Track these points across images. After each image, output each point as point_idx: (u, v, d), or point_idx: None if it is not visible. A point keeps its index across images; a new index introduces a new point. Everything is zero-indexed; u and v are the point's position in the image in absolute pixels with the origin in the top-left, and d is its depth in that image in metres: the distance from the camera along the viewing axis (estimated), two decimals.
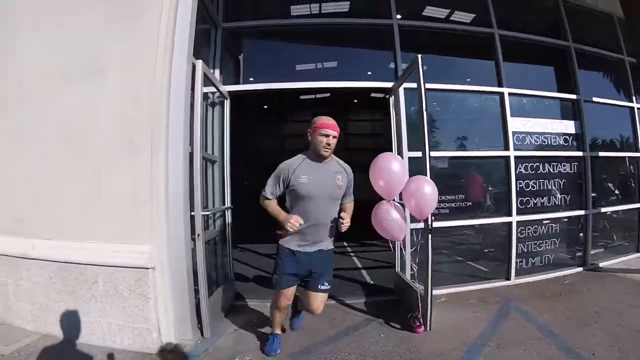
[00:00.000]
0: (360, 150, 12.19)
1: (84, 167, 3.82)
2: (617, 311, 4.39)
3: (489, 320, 4.28)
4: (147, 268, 3.55)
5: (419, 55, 4.16)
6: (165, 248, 3.63)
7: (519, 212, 5.63)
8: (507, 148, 5.62)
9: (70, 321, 3.79)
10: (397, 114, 5.14)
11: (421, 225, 4.21)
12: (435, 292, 4.70)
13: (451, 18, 6.23)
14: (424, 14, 6.16)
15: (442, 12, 6.26)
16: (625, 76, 7.09)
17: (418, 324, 3.97)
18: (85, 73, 3.85)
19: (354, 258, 7.73)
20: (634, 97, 6.97)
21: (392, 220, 3.75)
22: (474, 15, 6.23)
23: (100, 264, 3.64)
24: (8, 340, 3.78)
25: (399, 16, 5.72)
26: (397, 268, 5.26)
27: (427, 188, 3.77)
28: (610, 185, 7.04)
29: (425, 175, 4.04)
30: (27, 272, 3.95)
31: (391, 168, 3.74)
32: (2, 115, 4.14)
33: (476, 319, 4.32)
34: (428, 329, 3.99)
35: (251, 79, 6.09)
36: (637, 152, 6.94)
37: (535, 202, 5.83)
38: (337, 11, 6.18)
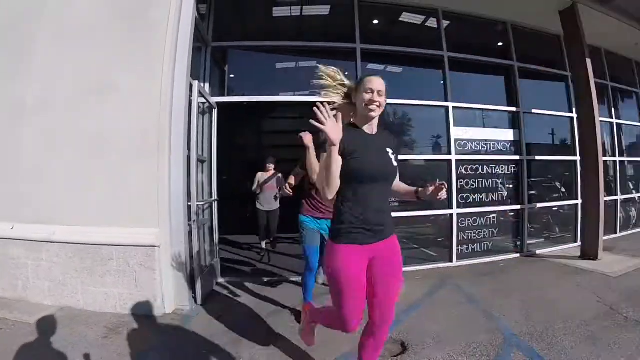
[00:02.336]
0: None
1: (103, 167, 4.60)
2: (536, 286, 5.28)
3: (427, 290, 5.21)
4: (155, 246, 4.41)
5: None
6: (169, 230, 4.53)
7: (459, 206, 6.59)
8: (449, 152, 6.58)
9: (86, 293, 4.55)
10: None
11: None
12: None
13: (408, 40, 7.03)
14: (385, 37, 7.02)
15: (401, 36, 7.19)
16: (568, 90, 7.97)
17: None
18: (102, 88, 4.65)
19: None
20: (573, 109, 7.72)
21: None
22: (430, 38, 7.05)
23: (116, 244, 4.45)
24: (31, 312, 4.34)
25: (361, 44, 6.52)
26: None
27: None
28: (557, 184, 7.95)
29: None
30: (47, 254, 4.60)
31: None
32: (25, 120, 4.83)
33: (417, 289, 5.21)
34: None
35: (235, 91, 6.97)
36: (575, 155, 7.76)
37: (474, 197, 6.79)
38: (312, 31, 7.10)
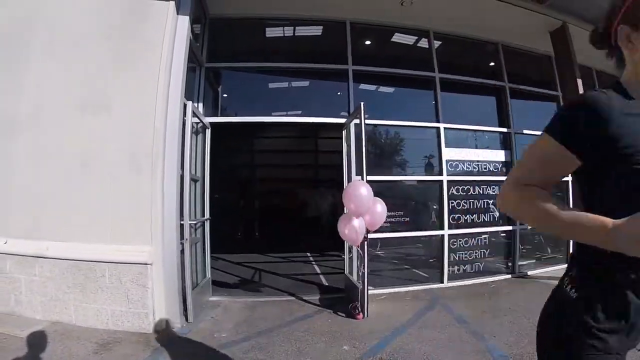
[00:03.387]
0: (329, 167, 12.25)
1: (95, 185, 4.67)
2: (527, 308, 5.19)
3: (416, 311, 5.23)
4: (147, 264, 4.47)
5: (362, 103, 5.21)
6: (161, 248, 4.58)
7: (450, 227, 6.62)
8: (441, 173, 6.66)
9: (78, 309, 4.59)
10: (348, 145, 6.08)
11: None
12: (377, 291, 5.84)
13: (400, 61, 7.21)
14: (377, 58, 7.17)
15: (393, 56, 7.36)
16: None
17: (357, 311, 4.98)
18: (95, 106, 4.77)
19: (315, 265, 8.56)
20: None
21: (353, 227, 4.83)
22: (421, 58, 7.19)
23: (108, 261, 4.51)
24: (22, 326, 4.36)
25: (353, 65, 6.65)
26: (346, 271, 6.19)
27: (378, 206, 4.95)
28: None
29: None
30: (40, 269, 4.66)
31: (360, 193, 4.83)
32: (16, 135, 4.91)
33: (407, 310, 5.27)
34: (366, 316, 4.96)
35: (228, 111, 7.05)
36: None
37: (465, 218, 6.83)
38: (304, 52, 7.19)
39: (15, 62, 5.03)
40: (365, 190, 4.84)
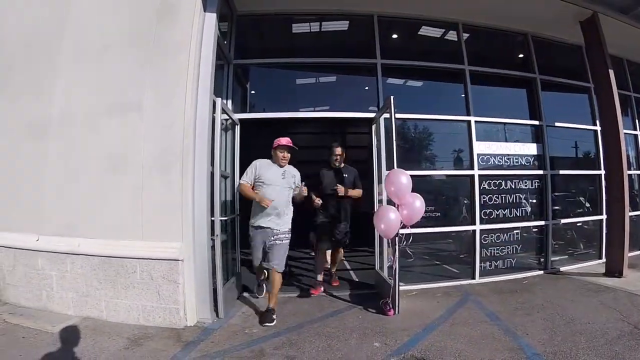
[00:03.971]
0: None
1: (126, 183, 4.73)
2: (560, 305, 5.15)
3: (448, 307, 5.15)
4: (178, 260, 4.48)
5: (392, 97, 5.14)
6: (192, 244, 4.58)
7: (482, 222, 6.49)
8: (472, 167, 6.52)
9: (109, 305, 4.65)
10: (378, 140, 6.03)
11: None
12: (408, 287, 5.77)
13: (428, 54, 7.07)
14: (405, 51, 7.03)
15: (421, 50, 7.24)
16: (591, 102, 7.86)
17: (388, 308, 4.90)
18: (124, 105, 4.84)
19: (345, 261, 8.29)
20: (597, 121, 7.62)
21: (389, 219, 4.76)
22: (450, 51, 7.07)
23: (139, 257, 4.54)
24: (53, 322, 4.47)
25: (382, 59, 6.55)
26: (377, 267, 6.14)
27: (417, 202, 4.87)
28: (581, 199, 7.82)
29: None
30: (71, 265, 4.76)
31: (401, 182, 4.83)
32: (48, 137, 5.05)
33: (438, 306, 5.18)
34: (397, 312, 4.88)
35: (257, 107, 7.04)
36: (599, 169, 7.66)
37: (497, 213, 6.69)
38: (331, 47, 7.15)
39: (48, 67, 5.16)
40: (405, 179, 4.82)
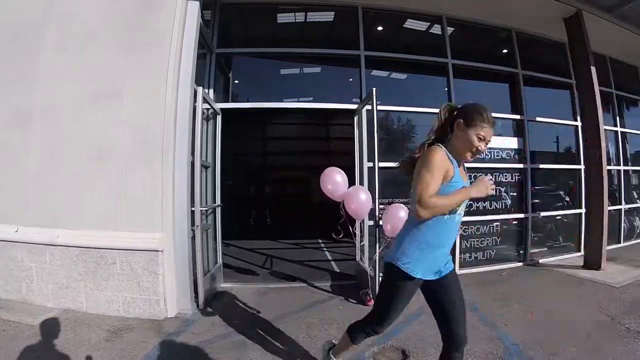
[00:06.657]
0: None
1: (106, 172, 4.65)
2: (537, 295, 5.27)
3: None
4: (158, 250, 4.45)
5: (374, 89, 5.08)
6: (172, 235, 4.58)
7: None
8: None
9: (90, 297, 4.60)
10: (360, 131, 6.02)
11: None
12: None
13: (412, 47, 7.15)
14: (389, 44, 7.03)
15: (405, 42, 7.27)
16: (573, 98, 7.95)
17: (368, 298, 4.95)
18: (105, 96, 4.73)
19: (326, 252, 8.54)
20: (578, 117, 7.67)
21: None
22: (434, 44, 7.09)
23: (119, 248, 4.49)
24: (34, 314, 4.39)
25: (365, 51, 6.53)
26: (357, 257, 6.17)
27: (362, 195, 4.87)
28: (561, 193, 7.96)
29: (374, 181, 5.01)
30: (50, 257, 4.67)
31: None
32: (31, 127, 4.90)
33: (419, 296, 5.24)
34: None
35: (240, 97, 6.97)
36: (579, 164, 7.69)
37: (477, 205, 6.74)
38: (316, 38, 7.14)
39: (29, 55, 5.01)
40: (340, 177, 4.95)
